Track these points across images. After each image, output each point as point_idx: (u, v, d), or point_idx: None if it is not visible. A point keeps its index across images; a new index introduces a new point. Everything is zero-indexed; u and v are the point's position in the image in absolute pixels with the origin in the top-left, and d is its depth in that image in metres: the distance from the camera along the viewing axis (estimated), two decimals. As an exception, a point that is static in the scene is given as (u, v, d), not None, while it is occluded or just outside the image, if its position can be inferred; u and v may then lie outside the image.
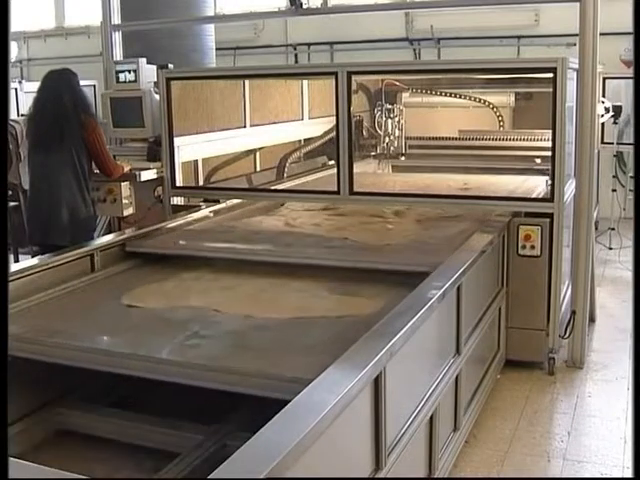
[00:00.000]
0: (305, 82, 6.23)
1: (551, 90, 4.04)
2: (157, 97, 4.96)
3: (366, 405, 2.16)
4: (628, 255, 6.66)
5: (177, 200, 5.01)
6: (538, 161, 6.07)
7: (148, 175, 4.89)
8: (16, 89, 8.39)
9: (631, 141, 7.21)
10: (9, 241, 5.64)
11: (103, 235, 5.00)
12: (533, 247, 4.20)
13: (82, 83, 4.74)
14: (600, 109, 5.21)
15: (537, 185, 5.13)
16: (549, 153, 4.17)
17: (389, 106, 6.69)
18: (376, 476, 2.22)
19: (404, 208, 4.80)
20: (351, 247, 3.83)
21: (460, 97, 6.72)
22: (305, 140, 6.28)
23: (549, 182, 4.32)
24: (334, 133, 4.50)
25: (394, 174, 6.72)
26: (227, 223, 4.53)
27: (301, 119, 6.29)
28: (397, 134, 6.76)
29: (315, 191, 5.21)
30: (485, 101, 6.70)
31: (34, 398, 2.99)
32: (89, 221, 4.60)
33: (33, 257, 4.50)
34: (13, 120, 5.95)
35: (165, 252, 3.97)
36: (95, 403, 3.07)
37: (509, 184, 5.39)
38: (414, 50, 9.81)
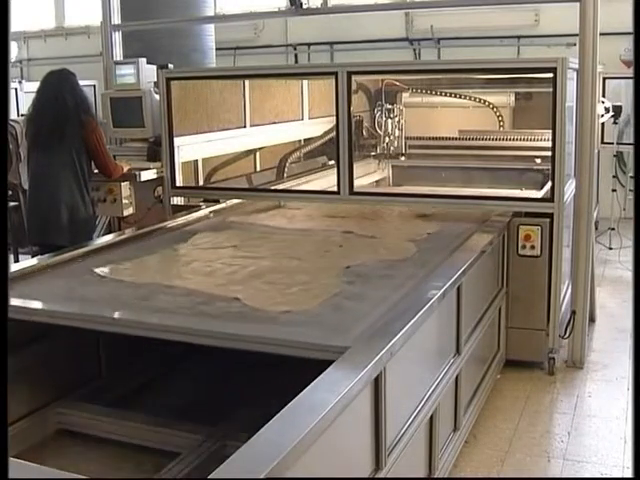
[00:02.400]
0: (305, 82, 6.23)
1: (551, 90, 4.04)
2: (157, 97, 4.96)
3: (366, 405, 2.16)
4: (628, 255, 6.66)
5: (177, 200, 5.02)
6: (538, 161, 6.08)
7: (148, 175, 4.89)
8: (16, 89, 8.41)
9: (631, 141, 7.21)
10: (9, 241, 5.64)
11: (103, 235, 5.00)
12: (533, 247, 4.20)
13: (82, 83, 4.74)
14: (600, 109, 5.20)
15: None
16: (549, 153, 4.17)
17: (389, 106, 6.68)
18: (376, 476, 2.22)
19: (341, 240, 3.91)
20: (233, 316, 2.69)
21: (460, 97, 6.71)
22: (305, 140, 6.28)
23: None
24: (334, 133, 4.50)
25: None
26: (98, 268, 3.38)
27: (301, 119, 6.29)
28: (397, 134, 6.75)
29: (315, 191, 5.22)
30: (485, 101, 6.70)
31: (34, 398, 2.99)
32: (89, 221, 4.61)
33: (33, 257, 4.50)
34: (13, 120, 5.95)
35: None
36: (95, 403, 3.08)
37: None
38: (414, 50, 9.81)
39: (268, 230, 4.24)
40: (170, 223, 4.44)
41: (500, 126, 6.74)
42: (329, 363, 2.11)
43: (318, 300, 2.83)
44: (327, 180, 5.34)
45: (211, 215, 4.72)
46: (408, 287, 2.95)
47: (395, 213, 4.72)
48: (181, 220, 4.51)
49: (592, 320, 5.02)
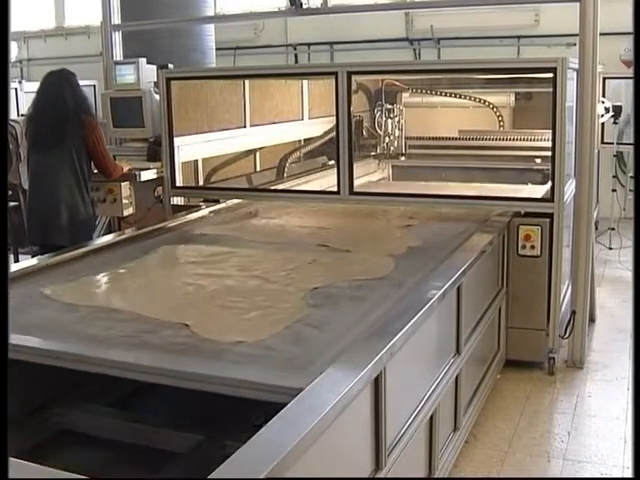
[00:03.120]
0: (305, 82, 6.24)
1: (551, 90, 4.04)
2: (157, 97, 4.97)
3: (366, 405, 2.16)
4: (628, 255, 6.66)
5: (177, 200, 5.02)
6: (538, 161, 6.08)
7: (148, 175, 4.89)
8: (16, 89, 8.40)
9: (631, 141, 7.21)
10: (9, 241, 5.65)
11: (103, 235, 5.01)
12: (533, 247, 4.20)
13: (82, 83, 4.75)
14: (600, 109, 5.21)
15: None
16: (549, 153, 4.17)
17: (389, 106, 6.68)
18: (376, 476, 2.22)
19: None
20: (177, 348, 2.40)
21: (460, 97, 6.71)
22: (305, 140, 6.28)
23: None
24: (334, 133, 4.50)
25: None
26: (45, 287, 3.11)
27: (301, 119, 6.29)
28: (397, 134, 6.76)
29: (315, 191, 5.21)
30: (485, 101, 6.70)
31: (34, 398, 2.99)
32: (88, 221, 4.61)
33: (33, 257, 4.50)
34: (13, 120, 5.95)
35: None
36: (95, 403, 3.07)
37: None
38: (414, 50, 9.81)
39: (237, 242, 3.93)
40: (170, 223, 4.44)
41: (500, 126, 6.74)
42: (282, 405, 1.86)
43: (277, 328, 2.54)
44: (327, 180, 5.34)
45: (211, 215, 4.72)
46: (379, 311, 2.67)
47: (381, 221, 4.50)
48: (181, 220, 4.52)
49: (592, 320, 5.02)
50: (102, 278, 3.31)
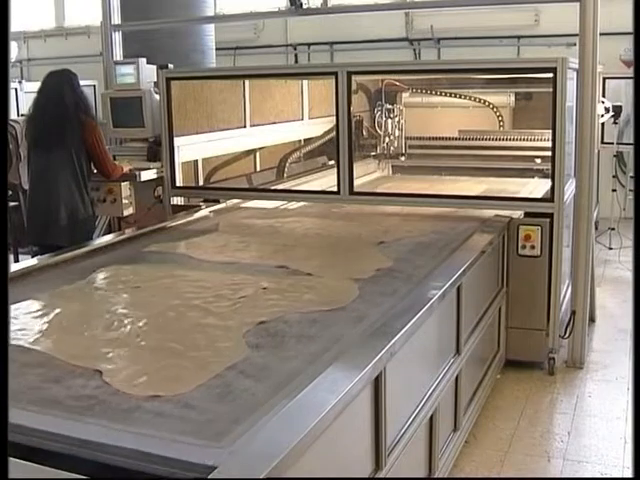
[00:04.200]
0: (305, 82, 6.24)
1: (551, 90, 4.04)
2: (157, 97, 4.97)
3: (366, 405, 2.16)
4: (628, 255, 6.66)
5: (177, 200, 5.02)
6: (538, 161, 6.09)
7: (148, 175, 4.89)
8: (16, 89, 8.41)
9: (631, 141, 7.22)
10: (9, 241, 5.64)
11: (103, 235, 5.01)
12: (533, 247, 4.20)
13: (82, 83, 4.74)
14: (600, 109, 5.20)
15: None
16: (549, 153, 4.17)
17: (389, 106, 6.68)
18: (376, 476, 2.22)
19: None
20: (82, 403, 2.00)
21: (460, 97, 6.72)
22: (305, 140, 6.28)
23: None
24: (334, 133, 4.50)
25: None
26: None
27: (301, 119, 6.29)
28: (397, 134, 6.76)
29: (315, 191, 5.21)
30: (485, 101, 6.70)
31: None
32: (88, 221, 4.61)
33: (33, 257, 4.51)
34: (13, 120, 5.95)
35: None
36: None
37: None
38: (414, 50, 9.81)
39: (187, 263, 3.53)
40: (170, 223, 4.44)
41: (500, 126, 6.74)
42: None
43: (204, 377, 2.14)
44: (327, 180, 5.34)
45: (211, 215, 4.72)
46: (330, 356, 2.26)
47: (357, 232, 4.14)
48: (181, 220, 4.52)
49: (592, 320, 5.02)
50: (26, 306, 2.87)
